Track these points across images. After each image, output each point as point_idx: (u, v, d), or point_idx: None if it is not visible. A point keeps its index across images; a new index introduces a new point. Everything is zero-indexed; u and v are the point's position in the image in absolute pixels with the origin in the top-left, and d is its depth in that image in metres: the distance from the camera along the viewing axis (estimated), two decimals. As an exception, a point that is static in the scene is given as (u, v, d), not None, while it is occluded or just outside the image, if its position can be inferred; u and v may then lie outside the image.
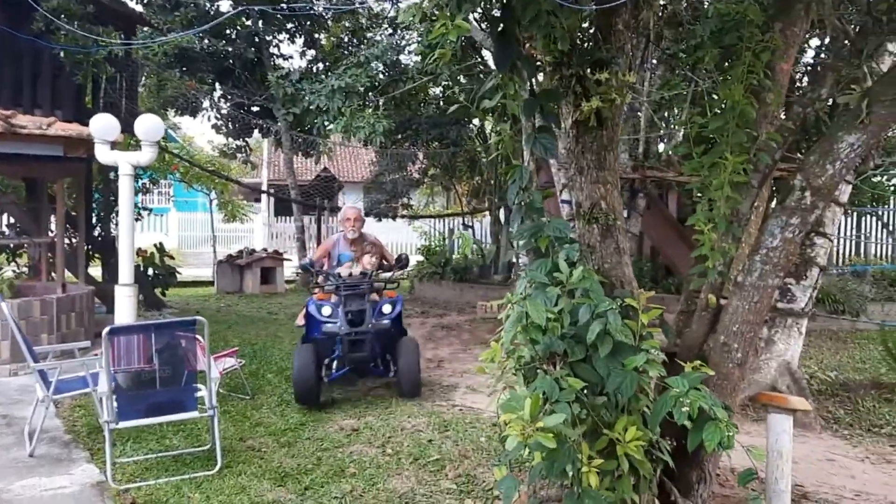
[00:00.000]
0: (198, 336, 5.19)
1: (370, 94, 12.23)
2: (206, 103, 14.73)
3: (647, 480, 3.48)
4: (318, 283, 6.75)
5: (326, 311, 6.37)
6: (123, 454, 5.07)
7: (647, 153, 10.33)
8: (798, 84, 6.27)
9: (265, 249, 17.06)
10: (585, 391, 3.21)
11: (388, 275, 7.03)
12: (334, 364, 6.46)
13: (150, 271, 12.85)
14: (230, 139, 16.10)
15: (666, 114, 10.86)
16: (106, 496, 4.44)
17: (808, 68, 6.11)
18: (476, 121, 15.16)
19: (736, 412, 4.24)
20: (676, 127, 10.01)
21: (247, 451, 5.19)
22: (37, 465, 4.99)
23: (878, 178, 11.26)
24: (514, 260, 13.40)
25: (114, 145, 6.94)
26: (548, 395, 2.99)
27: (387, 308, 6.53)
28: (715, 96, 4.05)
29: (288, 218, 23.39)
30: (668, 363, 3.48)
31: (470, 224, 18.28)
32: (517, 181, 3.65)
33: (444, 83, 13.90)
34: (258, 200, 25.70)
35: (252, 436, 5.56)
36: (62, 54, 10.39)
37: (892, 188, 12.44)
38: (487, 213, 17.15)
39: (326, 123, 12.03)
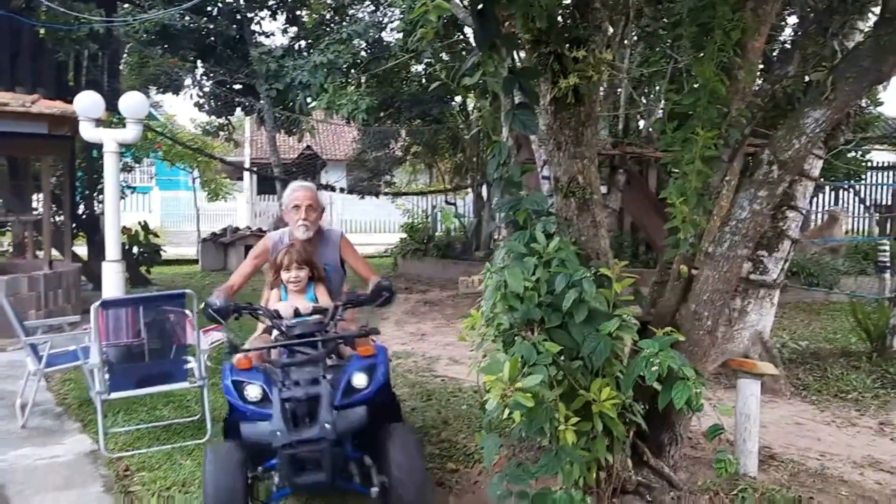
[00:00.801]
0: (186, 310, 5.31)
1: (353, 71, 12.27)
2: (188, 81, 14.69)
3: (620, 441, 3.66)
4: (234, 344, 3.66)
5: (253, 392, 3.42)
6: (115, 425, 5.19)
7: (627, 130, 10.48)
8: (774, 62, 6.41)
9: (249, 228, 17.11)
10: (562, 356, 3.37)
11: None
12: (274, 478, 3.53)
13: (135, 249, 12.89)
14: (212, 117, 16.07)
15: (646, 90, 11.00)
16: (99, 464, 4.57)
17: (781, 46, 6.26)
18: (458, 98, 15.22)
19: (707, 379, 4.43)
20: (656, 104, 10.16)
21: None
22: (30, 436, 5.11)
23: (853, 154, 11.48)
24: (495, 236, 13.55)
25: (98, 123, 6.98)
26: (526, 358, 3.14)
27: (360, 380, 3.50)
28: (693, 73, 4.19)
29: (271, 196, 23.40)
30: (642, 332, 3.65)
31: (453, 201, 18.40)
32: (496, 156, 3.78)
33: (426, 60, 13.93)
34: (241, 179, 25.65)
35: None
36: (42, 31, 10.34)
37: (865, 163, 12.68)
38: (470, 190, 17.27)
39: (309, 100, 12.06)
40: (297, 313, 3.68)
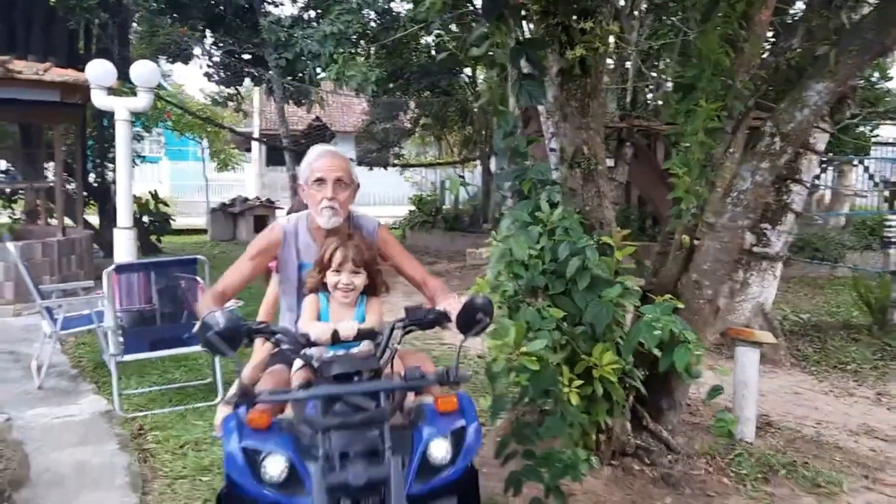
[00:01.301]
0: (197, 277, 5.41)
1: (362, 42, 12.24)
2: (197, 50, 14.69)
3: (619, 405, 3.77)
4: (245, 389, 2.22)
5: (275, 467, 2.18)
6: (129, 387, 5.34)
7: (635, 103, 10.47)
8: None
9: (258, 198, 17.21)
10: (565, 321, 3.46)
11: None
12: None
13: (145, 218, 13.02)
14: (221, 87, 16.08)
15: (655, 63, 10.96)
16: (114, 423, 4.72)
17: (790, 18, 6.25)
18: (467, 70, 15.19)
19: (708, 349, 4.53)
20: (664, 77, 10.14)
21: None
22: (46, 396, 5.26)
23: (861, 129, 11.44)
24: (502, 208, 13.60)
25: (110, 91, 7.06)
26: (531, 323, 3.24)
27: (440, 451, 2.28)
28: (698, 45, 4.23)
29: (280, 167, 23.46)
30: (643, 301, 3.73)
31: (461, 174, 18.44)
32: (503, 126, 3.85)
33: (435, 31, 13.89)
34: (249, 150, 25.70)
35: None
36: (54, 1, 10.37)
37: (872, 139, 12.65)
38: (478, 163, 17.30)
39: (318, 70, 12.06)
40: (335, 338, 2.34)
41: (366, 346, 2.43)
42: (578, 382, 3.31)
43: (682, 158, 3.93)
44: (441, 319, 2.46)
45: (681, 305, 3.66)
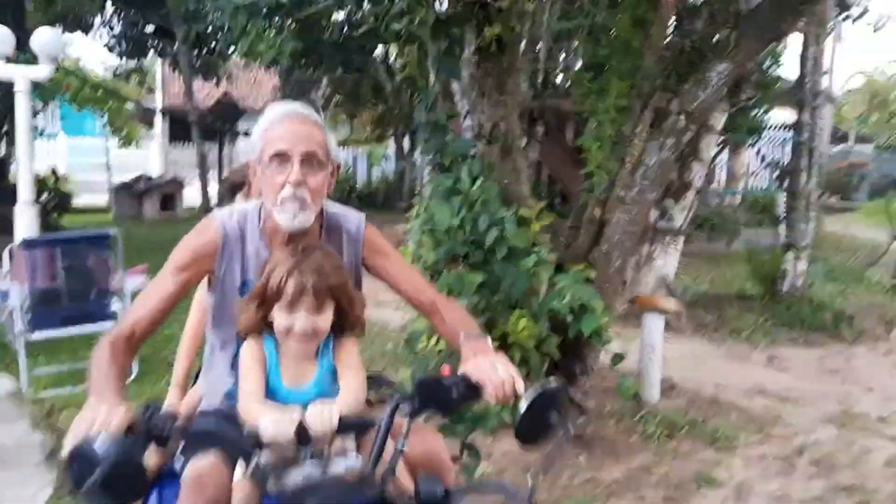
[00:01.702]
0: (108, 253, 5.25)
1: (275, 16, 11.97)
2: (97, 20, 14.07)
3: (536, 371, 3.95)
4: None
5: None
6: (37, 366, 5.16)
7: (547, 83, 10.70)
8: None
9: (162, 176, 16.71)
10: (484, 289, 3.60)
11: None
12: None
13: (43, 196, 12.43)
14: (124, 59, 15.48)
15: (566, 44, 11.22)
16: (24, 403, 4.57)
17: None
18: (381, 48, 15.14)
19: (617, 316, 4.78)
20: (574, 59, 10.42)
21: (161, 362, 5.36)
22: (-54, 378, 5.03)
23: (755, 112, 12.10)
24: (417, 184, 13.70)
25: (7, 60, 6.73)
26: (452, 288, 3.36)
27: None
28: (609, 28, 4.43)
29: (185, 144, 22.75)
30: (558, 272, 3.92)
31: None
32: (423, 101, 3.94)
33: (348, 6, 13.76)
34: (150, 125, 24.76)
35: (165, 348, 5.73)
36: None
37: (764, 122, 13.42)
38: (392, 141, 17.31)
39: (229, 43, 11.77)
40: (302, 436, 1.42)
41: (348, 445, 1.48)
42: (495, 346, 3.45)
43: (594, 135, 4.13)
44: (474, 396, 1.51)
45: (592, 274, 3.88)
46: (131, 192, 15.65)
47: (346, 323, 1.66)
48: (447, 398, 1.50)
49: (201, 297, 2.22)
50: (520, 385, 1.50)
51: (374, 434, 1.47)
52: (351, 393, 1.59)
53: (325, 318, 1.60)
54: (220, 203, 2.48)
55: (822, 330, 6.67)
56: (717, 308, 7.18)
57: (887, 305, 7.68)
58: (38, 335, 4.87)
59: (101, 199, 17.61)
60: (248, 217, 1.81)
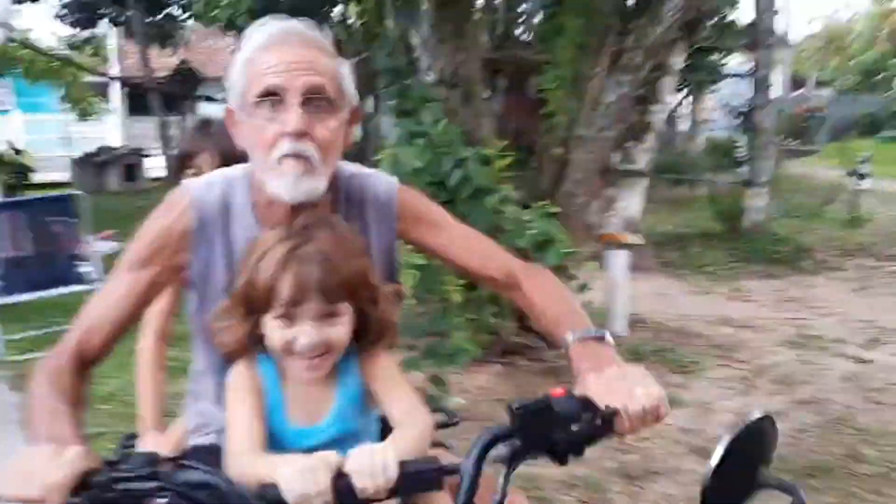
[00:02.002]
0: (71, 216, 5.20)
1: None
2: (45, -12, 13.70)
3: (505, 309, 4.07)
4: None
5: None
6: (10, 332, 5.17)
7: (508, 34, 10.69)
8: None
9: (124, 147, 16.45)
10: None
11: None
12: None
13: (4, 172, 12.24)
14: (77, 29, 15.10)
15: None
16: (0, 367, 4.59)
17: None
18: (339, 7, 14.97)
19: (583, 257, 4.90)
20: (535, 5, 10.41)
21: (133, 321, 5.39)
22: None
23: (712, 57, 12.27)
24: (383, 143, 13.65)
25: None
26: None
27: None
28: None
29: (145, 117, 22.33)
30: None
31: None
32: (384, 46, 3.97)
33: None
34: (105, 97, 24.21)
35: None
36: None
37: (723, 67, 13.61)
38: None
39: (183, 5, 11.56)
40: (341, 491, 0.91)
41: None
42: (461, 282, 3.54)
43: (555, 75, 4.20)
44: (604, 431, 1.00)
45: (556, 210, 3.97)
46: (93, 164, 15.41)
47: (372, 330, 1.17)
48: (565, 435, 0.97)
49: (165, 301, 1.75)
50: (665, 409, 1.02)
51: (450, 491, 0.99)
52: (409, 427, 1.10)
53: (340, 327, 1.12)
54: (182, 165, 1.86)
55: (783, 263, 6.89)
56: (682, 246, 7.39)
57: (846, 237, 7.93)
58: (9, 299, 4.87)
59: (63, 175, 17.29)
60: (235, 187, 1.28)
